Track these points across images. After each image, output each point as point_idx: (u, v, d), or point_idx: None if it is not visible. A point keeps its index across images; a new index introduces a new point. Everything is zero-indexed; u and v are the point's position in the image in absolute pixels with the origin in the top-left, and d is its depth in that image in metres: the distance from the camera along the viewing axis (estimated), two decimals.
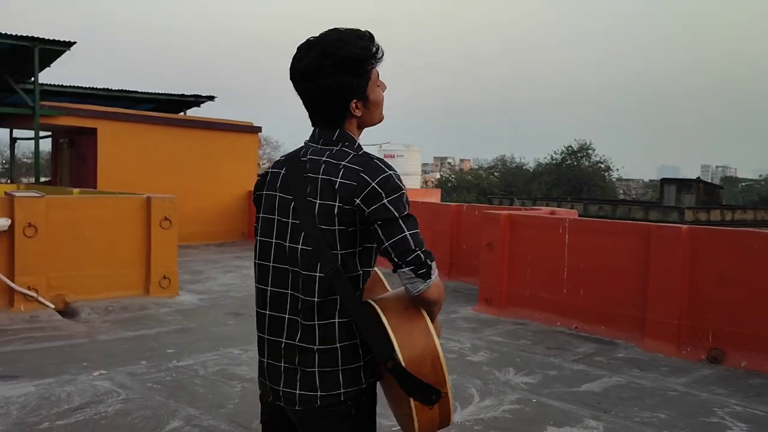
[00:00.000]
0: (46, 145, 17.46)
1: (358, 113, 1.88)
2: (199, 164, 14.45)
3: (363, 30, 1.88)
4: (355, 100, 1.86)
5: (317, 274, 1.80)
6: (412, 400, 1.73)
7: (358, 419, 1.87)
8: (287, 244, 1.86)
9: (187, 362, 5.57)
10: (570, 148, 58.17)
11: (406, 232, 1.76)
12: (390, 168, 1.83)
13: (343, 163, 1.83)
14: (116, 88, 15.94)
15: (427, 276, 1.75)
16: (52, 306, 7.29)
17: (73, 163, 14.77)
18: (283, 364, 1.88)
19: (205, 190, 14.45)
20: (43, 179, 17.34)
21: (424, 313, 1.80)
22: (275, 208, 1.90)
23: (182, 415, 4.38)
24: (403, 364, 1.71)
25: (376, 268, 1.98)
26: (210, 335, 6.55)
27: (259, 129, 15.87)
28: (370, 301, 1.84)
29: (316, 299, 1.81)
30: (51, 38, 12.07)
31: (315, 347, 1.82)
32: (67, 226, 7.53)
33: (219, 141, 14.89)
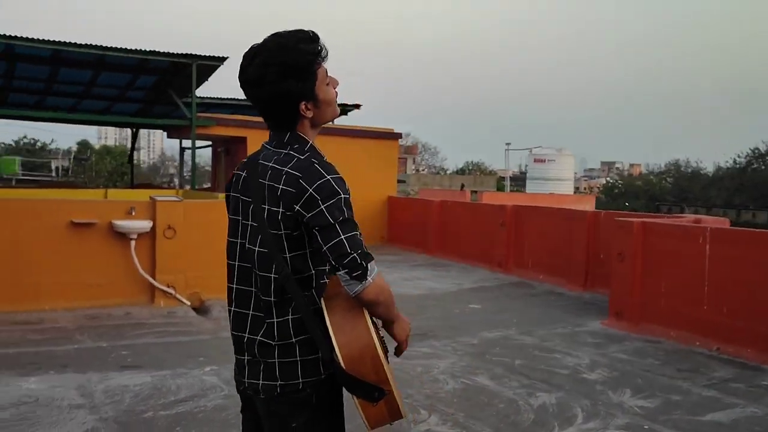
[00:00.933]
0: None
1: (309, 114, 1.93)
2: (341, 170, 14.89)
3: (306, 31, 1.90)
4: (303, 102, 1.90)
5: (272, 275, 1.89)
6: (354, 397, 1.80)
7: (319, 408, 1.91)
8: (248, 245, 1.94)
9: None
10: (757, 151, 52.41)
11: (342, 236, 1.79)
12: (331, 172, 1.86)
13: (285, 169, 1.87)
14: None
15: (362, 278, 1.79)
16: (188, 303, 7.83)
17: (228, 170, 15.86)
18: (246, 357, 1.97)
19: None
20: (207, 185, 18.84)
21: (366, 314, 1.84)
22: (239, 210, 1.98)
23: None
24: (341, 363, 1.77)
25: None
26: None
27: (399, 135, 16.08)
28: (322, 300, 1.90)
29: (272, 299, 1.90)
30: (206, 54, 13.03)
31: (274, 342, 1.90)
32: (203, 229, 8.04)
33: (360, 147, 15.28)
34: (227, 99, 16.15)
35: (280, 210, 1.85)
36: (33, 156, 47.09)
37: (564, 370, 5.62)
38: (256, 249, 1.91)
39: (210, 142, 17.56)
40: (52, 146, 53.46)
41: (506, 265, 11.26)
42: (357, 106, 18.81)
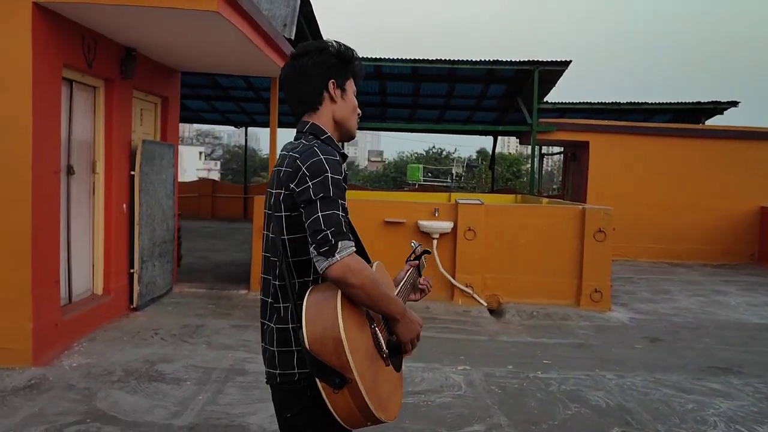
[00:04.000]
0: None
1: (335, 93, 2.02)
2: (699, 176, 13.37)
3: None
4: (333, 80, 2.01)
5: (276, 259, 1.96)
6: (318, 381, 1.74)
7: (315, 403, 1.84)
8: (269, 234, 2.01)
9: (549, 375, 5.42)
10: None
11: (319, 213, 1.79)
12: (327, 153, 1.87)
13: (290, 153, 1.94)
14: (625, 101, 15.98)
15: (328, 254, 1.76)
16: (485, 304, 8.01)
17: (574, 175, 15.53)
18: (261, 344, 2.04)
19: (705, 205, 13.26)
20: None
21: (338, 296, 1.77)
22: (267, 202, 2.05)
23: (490, 421, 4.36)
24: (305, 341, 1.74)
25: (378, 262, 2.12)
26: (603, 355, 6.15)
27: None
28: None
29: (277, 282, 1.95)
30: (549, 60, 13.03)
31: (273, 326, 1.95)
32: (503, 232, 8.13)
33: (730, 151, 13.42)
34: (578, 103, 15.82)
35: (283, 192, 1.90)
36: (439, 164, 52.58)
37: None
38: (270, 234, 1.99)
39: (561, 148, 17.44)
40: (455, 155, 58.92)
41: None
42: (734, 104, 16.53)
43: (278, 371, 1.93)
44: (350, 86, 2.07)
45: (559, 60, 13.01)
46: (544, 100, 14.86)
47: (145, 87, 7.29)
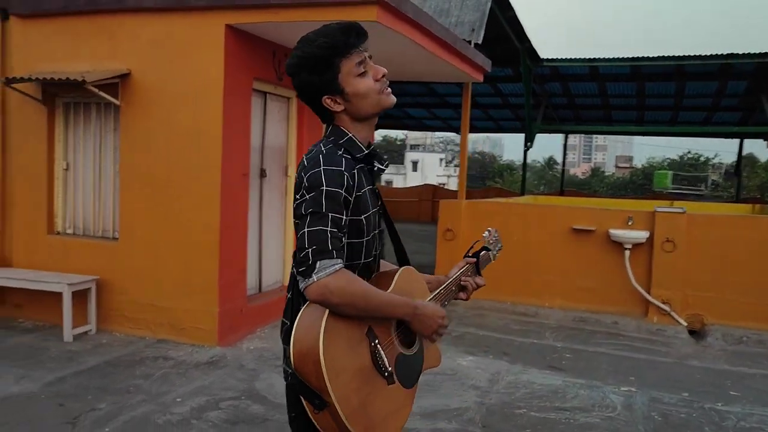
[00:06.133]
0: None
1: (338, 108, 1.86)
2: None
3: (343, 23, 1.84)
4: (327, 96, 1.85)
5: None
6: (303, 399, 1.72)
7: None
8: None
9: (729, 408, 4.73)
10: None
11: (306, 229, 1.73)
12: (331, 163, 1.77)
13: (304, 158, 1.85)
14: None
15: (305, 275, 1.69)
16: (685, 324, 7.21)
17: None
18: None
19: None
20: None
21: (326, 315, 1.69)
22: None
23: None
24: (292, 358, 1.70)
25: (411, 268, 2.04)
26: None
27: None
28: None
29: (289, 295, 1.94)
30: None
31: (288, 322, 1.90)
32: (710, 245, 7.24)
33: None
34: None
35: (294, 198, 1.85)
36: (696, 170, 48.14)
37: None
38: None
39: None
40: (715, 161, 53.40)
41: None
42: None
43: (290, 371, 1.90)
44: (347, 81, 1.84)
45: None
46: None
47: None
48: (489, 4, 8.56)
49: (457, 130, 21.85)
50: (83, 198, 6.49)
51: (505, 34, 10.79)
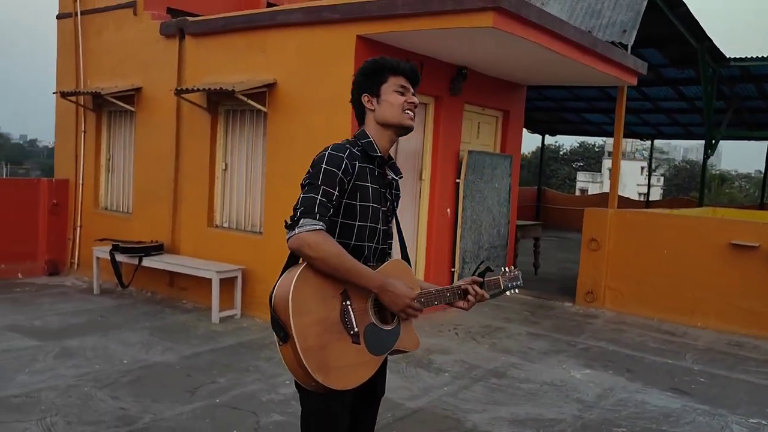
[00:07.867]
0: None
1: (370, 107, 2.27)
2: None
3: (399, 60, 2.29)
4: (366, 95, 2.27)
5: None
6: (274, 333, 2.04)
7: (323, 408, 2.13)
8: None
9: None
10: None
11: (301, 196, 2.08)
12: (338, 150, 2.13)
13: None
14: None
15: (290, 228, 2.03)
16: None
17: None
18: None
19: None
20: None
21: (302, 265, 2.03)
22: None
23: None
24: (272, 297, 2.03)
25: (405, 262, 2.32)
26: None
27: None
28: None
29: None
30: None
31: None
32: None
33: None
34: None
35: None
36: None
37: None
38: None
39: None
40: None
41: None
42: None
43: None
44: (386, 90, 2.25)
45: None
46: None
47: (480, 101, 7.86)
48: (644, 4, 8.00)
49: (641, 137, 20.61)
50: (237, 195, 7.23)
51: (677, 32, 10.03)
